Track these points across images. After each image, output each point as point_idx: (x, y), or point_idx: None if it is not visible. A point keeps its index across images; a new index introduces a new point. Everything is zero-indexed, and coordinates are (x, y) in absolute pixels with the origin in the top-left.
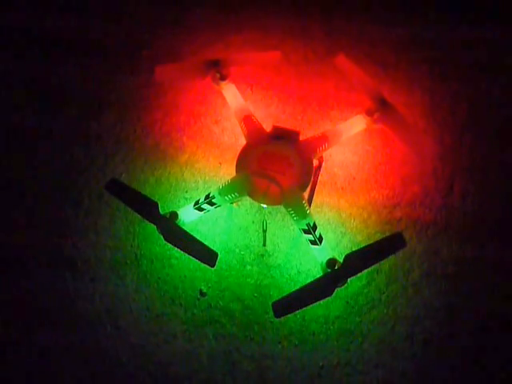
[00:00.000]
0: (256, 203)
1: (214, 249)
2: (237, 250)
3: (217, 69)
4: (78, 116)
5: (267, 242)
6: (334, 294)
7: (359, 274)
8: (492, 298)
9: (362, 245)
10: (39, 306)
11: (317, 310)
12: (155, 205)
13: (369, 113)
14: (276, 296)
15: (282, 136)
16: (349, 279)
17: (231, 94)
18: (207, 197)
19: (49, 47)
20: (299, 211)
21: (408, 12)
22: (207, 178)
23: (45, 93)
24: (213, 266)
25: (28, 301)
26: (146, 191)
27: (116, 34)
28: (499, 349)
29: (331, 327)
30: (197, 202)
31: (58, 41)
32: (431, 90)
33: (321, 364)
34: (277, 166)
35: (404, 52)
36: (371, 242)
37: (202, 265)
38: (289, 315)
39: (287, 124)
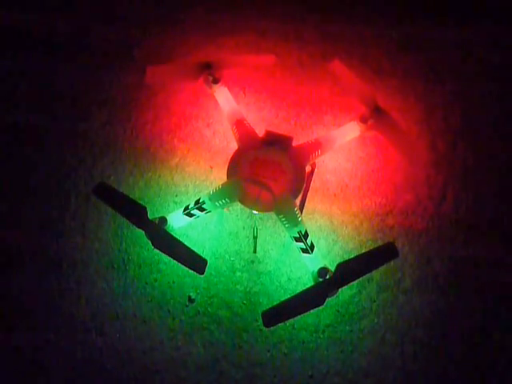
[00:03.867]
0: (247, 209)
1: (204, 254)
2: (227, 256)
3: (209, 71)
4: (66, 116)
5: (258, 249)
6: (325, 303)
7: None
8: (484, 308)
9: (354, 252)
10: (23, 309)
11: (307, 318)
12: (144, 209)
13: (363, 120)
14: (266, 303)
15: (275, 141)
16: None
17: (223, 98)
18: (197, 202)
19: (38, 47)
20: (291, 218)
21: (403, 18)
22: (197, 182)
23: (33, 93)
24: (202, 273)
25: (12, 303)
26: (135, 194)
27: (107, 34)
28: (489, 359)
29: (321, 336)
30: (186, 208)
31: (48, 41)
32: (425, 96)
33: (310, 373)
34: (269, 172)
35: (399, 58)
36: (363, 249)
37: (191, 271)
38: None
39: (280, 129)
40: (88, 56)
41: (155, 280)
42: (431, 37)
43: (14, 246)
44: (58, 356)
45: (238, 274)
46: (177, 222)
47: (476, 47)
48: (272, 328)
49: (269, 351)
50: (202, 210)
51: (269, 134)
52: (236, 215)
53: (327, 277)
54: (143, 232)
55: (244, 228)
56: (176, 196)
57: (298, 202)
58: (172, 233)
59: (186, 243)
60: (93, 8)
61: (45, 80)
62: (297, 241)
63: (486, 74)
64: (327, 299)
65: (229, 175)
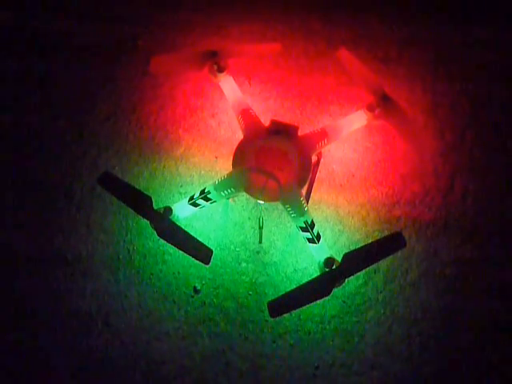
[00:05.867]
0: (252, 199)
1: (209, 245)
2: (232, 247)
3: (214, 60)
4: (71, 108)
5: (263, 239)
6: (331, 293)
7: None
8: (491, 299)
9: (360, 243)
10: (28, 302)
11: (313, 309)
12: (149, 199)
13: (370, 108)
14: (271, 294)
15: (281, 131)
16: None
17: (229, 87)
18: (202, 192)
19: (43, 39)
20: (297, 208)
21: (411, 8)
22: (203, 172)
23: (37, 84)
24: (207, 263)
25: (17, 296)
26: (140, 185)
27: (111, 24)
28: (497, 349)
29: (327, 327)
30: (192, 198)
31: (52, 32)
32: (433, 86)
33: (316, 364)
34: (275, 161)
35: (406, 48)
36: (369, 240)
37: (196, 261)
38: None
39: (286, 118)
40: (92, 46)
41: (160, 271)
42: (439, 29)
43: (18, 238)
44: (64, 348)
45: (244, 264)
46: (182, 212)
47: (485, 41)
48: (278, 319)
49: (274, 342)
50: (207, 199)
51: (274, 123)
52: (241, 205)
53: (333, 267)
54: (148, 222)
55: (249, 218)
56: (181, 186)
57: (303, 191)
58: (177, 223)
59: (191, 234)
60: (96, 1)
61: (49, 73)
62: (303, 231)
63: (495, 65)
64: (333, 290)
65: (234, 165)
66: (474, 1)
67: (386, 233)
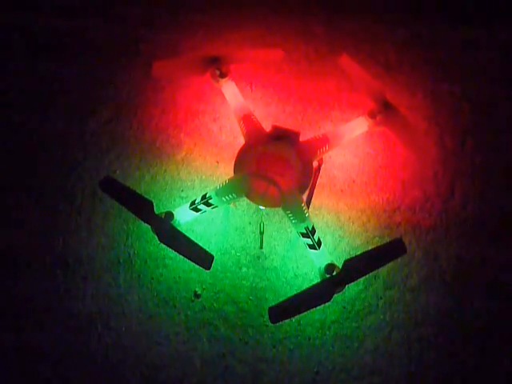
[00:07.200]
0: (253, 204)
1: (210, 250)
2: (233, 252)
3: (216, 65)
4: (72, 111)
5: (264, 244)
6: (332, 299)
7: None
8: (491, 304)
9: (361, 249)
10: (29, 305)
11: (313, 314)
12: (150, 204)
13: (371, 115)
14: (272, 299)
15: (282, 136)
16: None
17: (231, 92)
18: (204, 197)
19: (42, 45)
20: (298, 214)
21: (411, 13)
22: (204, 177)
23: (38, 90)
24: (208, 268)
25: (17, 299)
26: (141, 189)
27: (113, 28)
28: (498, 356)
29: (327, 332)
30: (193, 203)
31: (53, 34)
32: (433, 92)
33: (316, 369)
34: (276, 167)
35: (406, 53)
36: (370, 246)
37: (197, 266)
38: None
39: (287, 124)
40: (93, 50)
41: (161, 275)
42: (439, 35)
43: (18, 242)
44: (64, 351)
45: (244, 269)
46: (183, 217)
47: (485, 46)
48: (278, 324)
49: (274, 347)
50: (208, 204)
51: (276, 128)
52: (242, 210)
53: (334, 273)
54: (149, 227)
55: (250, 223)
56: (182, 191)
57: (304, 197)
58: (178, 228)
59: (192, 238)
60: (98, 4)
61: (50, 77)
62: (304, 237)
63: (496, 70)
64: (334, 296)
65: (235, 170)
66: (473, 1)
67: (387, 239)
